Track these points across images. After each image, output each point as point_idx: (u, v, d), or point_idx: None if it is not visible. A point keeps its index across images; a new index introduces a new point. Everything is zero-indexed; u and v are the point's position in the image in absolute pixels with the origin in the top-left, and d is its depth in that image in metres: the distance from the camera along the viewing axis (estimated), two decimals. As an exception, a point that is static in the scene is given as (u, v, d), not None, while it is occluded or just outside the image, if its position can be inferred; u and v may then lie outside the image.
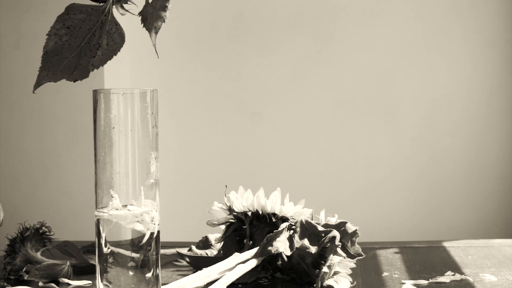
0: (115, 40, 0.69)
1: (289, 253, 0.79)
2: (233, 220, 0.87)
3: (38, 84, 0.68)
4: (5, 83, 1.78)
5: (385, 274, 0.85)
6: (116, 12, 0.71)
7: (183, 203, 1.97)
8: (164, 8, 0.71)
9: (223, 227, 0.88)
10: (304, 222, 0.81)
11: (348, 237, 0.82)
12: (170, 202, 1.92)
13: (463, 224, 1.92)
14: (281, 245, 0.79)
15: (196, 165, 1.99)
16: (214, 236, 0.95)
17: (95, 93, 0.67)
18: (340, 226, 0.82)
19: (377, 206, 1.94)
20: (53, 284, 0.81)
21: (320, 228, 0.80)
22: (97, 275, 0.68)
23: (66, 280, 0.83)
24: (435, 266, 0.89)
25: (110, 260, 0.67)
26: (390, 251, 0.99)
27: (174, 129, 1.97)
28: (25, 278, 0.84)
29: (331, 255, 0.76)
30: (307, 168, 1.96)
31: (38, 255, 0.86)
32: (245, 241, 0.86)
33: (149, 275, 0.68)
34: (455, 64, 1.93)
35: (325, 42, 1.95)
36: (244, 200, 0.86)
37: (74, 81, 0.68)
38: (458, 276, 0.82)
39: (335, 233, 0.77)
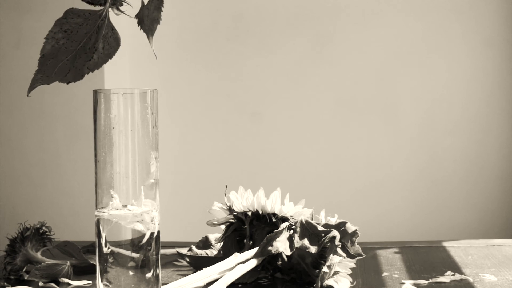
0: (110, 44, 0.70)
1: (289, 253, 0.79)
2: (233, 220, 0.87)
3: (32, 87, 0.69)
4: (5, 83, 1.78)
5: (385, 274, 0.85)
6: (113, 15, 0.72)
7: (183, 203, 1.97)
8: (159, 10, 0.73)
9: (223, 227, 0.88)
10: (304, 222, 0.81)
11: (348, 237, 0.82)
12: (170, 202, 1.92)
13: (463, 224, 1.92)
14: (281, 245, 0.79)
15: (196, 165, 1.99)
16: (214, 236, 0.95)
17: (95, 93, 0.67)
18: (340, 226, 0.82)
19: (377, 206, 1.94)
20: (53, 284, 0.81)
21: (320, 228, 0.80)
22: (97, 275, 0.68)
23: (66, 280, 0.83)
24: (435, 266, 0.89)
25: (110, 260, 0.67)
26: (390, 251, 0.99)
27: (174, 129, 1.97)
28: (25, 278, 0.84)
29: (331, 255, 0.76)
30: (307, 168, 1.96)
31: (38, 255, 0.86)
32: (245, 241, 0.86)
33: (149, 275, 0.68)
34: (455, 64, 1.93)
35: (325, 42, 1.95)
36: (244, 200, 0.86)
37: (67, 83, 0.69)
38: (458, 276, 0.82)
39: (335, 233, 0.77)
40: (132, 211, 0.67)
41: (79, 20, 0.69)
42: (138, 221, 0.67)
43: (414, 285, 0.79)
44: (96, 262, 0.68)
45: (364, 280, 0.81)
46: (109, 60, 0.70)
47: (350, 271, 0.82)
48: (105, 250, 0.67)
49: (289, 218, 0.85)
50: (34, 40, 1.81)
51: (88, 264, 0.88)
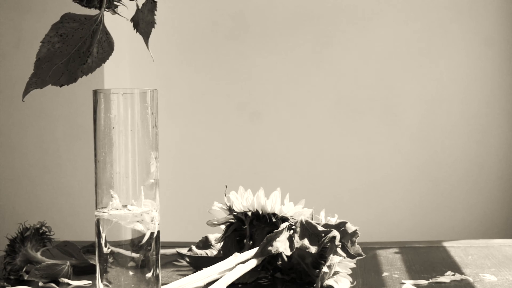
0: (104, 48, 0.72)
1: (289, 253, 0.79)
2: (233, 220, 0.87)
3: (26, 91, 0.70)
4: (5, 83, 1.78)
5: (385, 274, 0.85)
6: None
7: (183, 203, 1.97)
8: (152, 13, 0.75)
9: (223, 227, 0.88)
10: (304, 222, 0.81)
11: (348, 237, 0.82)
12: (170, 202, 1.92)
13: (463, 224, 1.92)
14: (281, 245, 0.79)
15: (196, 165, 1.99)
16: (214, 236, 0.95)
17: (95, 93, 0.68)
18: (340, 226, 0.82)
19: (377, 206, 1.94)
20: (53, 284, 0.81)
21: (320, 228, 0.80)
22: (97, 275, 0.68)
23: (66, 280, 0.83)
24: (435, 266, 0.89)
25: (110, 260, 0.67)
26: (390, 251, 0.99)
27: (174, 129, 1.97)
28: (25, 278, 0.84)
29: (331, 255, 0.77)
30: (307, 168, 1.96)
31: (38, 255, 0.86)
32: (245, 241, 0.86)
33: (149, 275, 0.68)
34: (454, 64, 1.93)
35: (325, 42, 1.95)
36: (244, 200, 0.86)
37: (60, 86, 0.71)
38: (458, 276, 0.82)
39: (335, 233, 0.77)
40: (132, 211, 0.67)
41: (74, 24, 0.70)
42: (138, 221, 0.67)
43: (414, 285, 0.79)
44: (96, 262, 0.68)
45: (364, 280, 0.81)
46: (103, 64, 0.72)
47: (350, 271, 0.82)
48: (105, 250, 0.67)
49: (289, 218, 0.85)
50: (34, 40, 1.81)
51: (88, 264, 0.88)
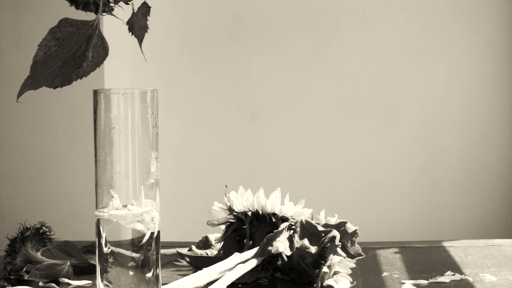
0: (99, 53, 0.73)
1: (289, 253, 0.79)
2: (233, 220, 0.87)
3: (20, 92, 0.72)
4: (5, 83, 1.78)
5: (385, 274, 0.85)
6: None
7: (183, 203, 1.97)
8: (145, 18, 0.76)
9: (223, 227, 0.88)
10: (304, 222, 0.81)
11: (348, 237, 0.82)
12: (170, 202, 1.92)
13: (463, 224, 1.92)
14: (281, 245, 0.79)
15: (196, 165, 1.99)
16: (214, 236, 0.95)
17: (95, 93, 0.68)
18: (340, 226, 0.82)
19: (377, 206, 1.94)
20: (53, 284, 0.81)
21: (320, 228, 0.80)
22: (97, 275, 0.68)
23: (66, 280, 0.83)
24: (435, 266, 0.89)
25: (110, 260, 0.67)
26: (390, 251, 0.99)
27: (174, 129, 1.97)
28: (26, 278, 0.84)
29: (331, 255, 0.77)
30: (307, 168, 1.96)
31: (39, 255, 0.86)
32: (245, 241, 0.86)
33: (149, 275, 0.68)
34: (455, 64, 1.93)
35: (325, 42, 1.95)
36: (244, 200, 0.86)
37: (54, 88, 0.72)
38: (458, 276, 0.82)
39: (335, 233, 0.77)
40: (132, 211, 0.67)
41: (71, 29, 0.71)
42: (138, 221, 0.67)
43: (414, 285, 0.79)
44: (96, 262, 0.68)
45: (364, 280, 0.82)
46: (97, 68, 0.74)
47: (350, 271, 0.82)
48: (105, 250, 0.67)
49: (289, 218, 0.85)
50: (34, 40, 1.81)
51: (88, 264, 0.88)
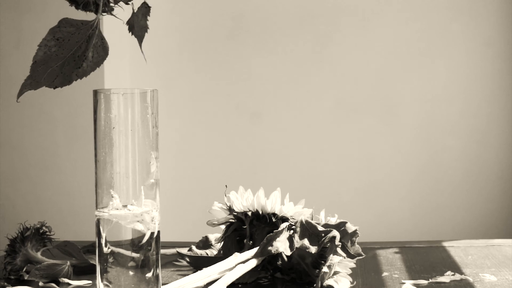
0: (99, 53, 0.74)
1: (289, 253, 0.79)
2: (233, 220, 0.87)
3: (20, 92, 0.72)
4: (5, 83, 1.78)
5: (385, 274, 0.85)
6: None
7: (183, 203, 1.97)
8: (145, 18, 0.77)
9: (223, 227, 0.88)
10: (304, 222, 0.81)
11: (348, 237, 0.82)
12: (170, 202, 1.92)
13: (463, 224, 1.92)
14: (281, 245, 0.79)
15: (196, 165, 1.99)
16: (214, 236, 0.95)
17: (95, 93, 0.68)
18: (340, 226, 0.82)
19: (377, 206, 1.94)
20: (53, 284, 0.81)
21: (320, 228, 0.80)
22: (97, 275, 0.68)
23: (66, 280, 0.83)
24: (435, 266, 0.89)
25: (110, 260, 0.67)
26: (390, 251, 0.99)
27: (174, 129, 1.97)
28: (25, 278, 0.84)
29: (331, 255, 0.77)
30: (307, 168, 1.96)
31: (38, 255, 0.86)
32: (245, 241, 0.86)
33: (149, 275, 0.68)
34: (454, 64, 1.93)
35: (325, 42, 1.95)
36: (244, 200, 0.86)
37: (54, 88, 0.73)
38: (458, 276, 0.82)
39: (335, 233, 0.77)
40: (132, 211, 0.67)
41: (71, 29, 0.72)
42: (138, 221, 0.67)
43: (414, 285, 0.79)
44: (96, 262, 0.68)
45: (364, 280, 0.82)
46: (97, 68, 0.74)
47: (350, 271, 0.82)
48: (105, 250, 0.67)
49: (289, 218, 0.85)
50: (34, 40, 1.81)
51: (88, 264, 0.88)
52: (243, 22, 1.97)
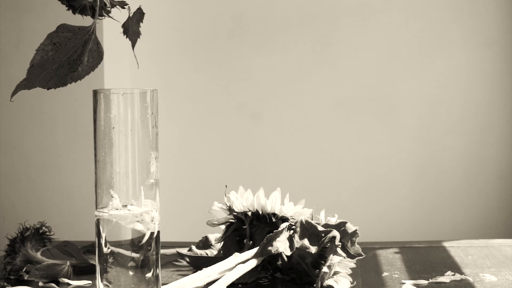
0: (94, 57, 0.75)
1: (289, 253, 0.79)
2: (233, 220, 0.87)
3: (15, 92, 0.76)
4: (5, 83, 1.78)
5: (385, 274, 0.85)
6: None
7: (183, 203, 1.97)
8: (138, 24, 0.79)
9: (223, 227, 0.88)
10: (304, 222, 0.81)
11: (348, 237, 0.82)
12: (170, 202, 1.92)
13: (463, 224, 1.92)
14: (281, 245, 0.79)
15: (196, 165, 1.99)
16: (214, 236, 0.95)
17: (95, 93, 0.68)
18: (340, 226, 0.82)
19: (377, 206, 1.94)
20: (53, 284, 0.81)
21: (320, 228, 0.80)
22: (97, 275, 0.68)
23: (66, 280, 0.83)
24: (435, 266, 0.89)
25: (110, 260, 0.67)
26: (390, 251, 0.99)
27: (174, 129, 1.97)
28: (25, 278, 0.84)
29: (331, 255, 0.76)
30: (307, 168, 1.96)
31: (38, 255, 0.86)
32: (245, 241, 0.86)
33: (149, 275, 0.68)
34: (454, 64, 1.93)
35: (325, 42, 1.95)
36: (244, 200, 0.86)
37: (48, 89, 0.75)
38: (458, 276, 0.82)
39: (335, 233, 0.77)
40: (132, 211, 0.67)
41: (68, 34, 0.73)
42: (138, 221, 0.67)
43: (414, 285, 0.79)
44: (96, 262, 0.68)
45: (364, 280, 0.81)
46: (91, 72, 0.76)
47: (350, 271, 0.82)
48: (105, 250, 0.67)
49: (289, 218, 0.85)
50: (34, 40, 1.81)
51: (88, 264, 0.88)
52: (243, 22, 1.97)
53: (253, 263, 0.77)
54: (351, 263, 0.82)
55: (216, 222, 0.87)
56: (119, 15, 0.80)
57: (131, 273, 0.67)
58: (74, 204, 1.79)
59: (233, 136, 1.98)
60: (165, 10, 1.96)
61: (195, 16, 1.98)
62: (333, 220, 0.84)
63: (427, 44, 1.93)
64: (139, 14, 0.79)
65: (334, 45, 1.95)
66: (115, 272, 0.67)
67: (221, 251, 0.87)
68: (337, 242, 0.76)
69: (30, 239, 0.86)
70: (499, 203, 1.93)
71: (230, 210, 0.87)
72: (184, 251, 0.92)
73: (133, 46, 0.82)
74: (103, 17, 0.75)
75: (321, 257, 0.76)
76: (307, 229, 0.80)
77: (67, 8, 0.75)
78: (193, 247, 0.93)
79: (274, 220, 0.85)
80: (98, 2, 0.73)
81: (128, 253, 0.67)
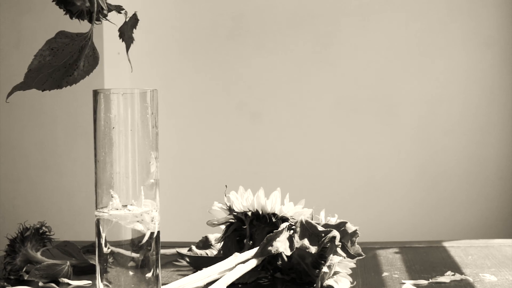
0: (90, 62, 0.78)
1: (289, 253, 0.79)
2: (233, 220, 0.87)
3: (10, 93, 0.77)
4: (5, 83, 1.78)
5: (385, 274, 0.85)
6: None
7: (183, 203, 1.97)
8: (132, 30, 0.81)
9: (223, 227, 0.88)
10: (304, 222, 0.81)
11: (348, 237, 0.82)
12: (170, 202, 1.92)
13: (463, 224, 1.92)
14: (281, 245, 0.79)
15: (196, 165, 1.99)
16: (214, 236, 0.95)
17: (95, 93, 0.68)
18: (340, 226, 0.82)
19: (377, 205, 1.94)
20: (53, 284, 0.81)
21: (320, 228, 0.80)
22: (97, 275, 0.68)
23: (66, 280, 0.83)
24: (435, 266, 0.89)
25: (110, 260, 0.67)
26: (390, 251, 0.99)
27: (174, 129, 1.97)
28: (25, 278, 0.84)
29: (331, 255, 0.77)
30: (307, 168, 1.96)
31: (38, 255, 0.86)
32: (245, 241, 0.86)
33: (149, 275, 0.68)
34: (455, 64, 1.93)
35: (325, 42, 1.95)
36: (244, 200, 0.86)
37: (43, 91, 0.77)
38: (458, 276, 0.82)
39: (335, 233, 0.77)
40: (132, 211, 0.67)
41: (66, 40, 0.76)
42: (138, 221, 0.67)
43: (414, 285, 0.79)
44: (96, 262, 0.68)
45: (364, 280, 0.82)
46: (87, 76, 0.78)
47: (350, 271, 0.82)
48: (105, 250, 0.67)
49: (289, 218, 0.85)
50: (34, 40, 1.81)
51: (88, 264, 0.88)
52: (243, 22, 1.97)
53: (253, 263, 0.77)
54: (351, 263, 0.82)
55: (216, 222, 0.87)
56: (117, 17, 0.80)
57: (131, 273, 0.67)
58: (74, 204, 1.79)
59: (233, 136, 1.98)
60: (165, 10, 1.96)
61: (195, 16, 1.98)
62: (333, 220, 0.84)
63: (427, 44, 1.93)
64: (134, 20, 0.81)
65: (334, 45, 1.95)
66: (115, 272, 0.67)
67: (221, 251, 0.87)
68: (337, 242, 0.76)
69: (30, 239, 0.86)
70: (499, 203, 1.93)
71: (230, 210, 0.87)
72: (184, 251, 0.92)
73: (127, 50, 0.83)
74: (100, 22, 0.76)
75: (321, 257, 0.76)
76: (307, 229, 0.80)
77: (64, 13, 0.76)
78: (193, 247, 0.93)
79: (274, 220, 0.85)
80: (95, 7, 0.74)
81: (128, 253, 0.67)
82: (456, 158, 1.93)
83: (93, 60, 0.78)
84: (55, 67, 0.75)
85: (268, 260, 0.81)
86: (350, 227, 0.82)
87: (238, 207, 0.86)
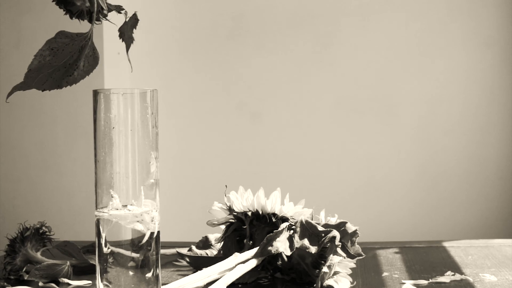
0: (90, 62, 0.78)
1: (289, 253, 0.79)
2: (233, 220, 0.87)
3: (10, 93, 0.78)
4: (5, 83, 1.78)
5: (385, 274, 0.85)
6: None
7: (183, 203, 1.97)
8: (132, 30, 0.81)
9: (223, 227, 0.88)
10: (304, 222, 0.81)
11: (348, 237, 0.82)
12: (170, 202, 1.92)
13: (463, 224, 1.92)
14: (281, 245, 0.79)
15: (196, 165, 1.99)
16: (214, 236, 0.95)
17: (95, 93, 0.68)
18: (340, 226, 0.82)
19: (377, 206, 1.94)
20: (53, 284, 0.81)
21: (320, 228, 0.80)
22: (97, 275, 0.68)
23: (66, 280, 0.83)
24: (435, 266, 0.89)
25: (110, 260, 0.67)
26: (390, 251, 0.99)
27: (174, 129, 1.97)
28: (25, 278, 0.84)
29: (331, 255, 0.77)
30: (307, 168, 1.96)
31: (38, 255, 0.86)
32: (245, 241, 0.86)
33: (149, 275, 0.68)
34: (454, 64, 1.93)
35: (325, 42, 1.95)
36: (244, 200, 0.86)
37: (43, 91, 0.77)
38: (458, 276, 0.82)
39: (335, 233, 0.77)
40: (132, 211, 0.67)
41: (66, 40, 0.76)
42: (138, 221, 0.67)
43: (414, 285, 0.79)
44: (96, 262, 0.68)
45: (364, 280, 0.82)
46: (87, 76, 0.78)
47: (350, 271, 0.82)
48: (105, 250, 0.67)
49: (289, 218, 0.85)
50: (34, 40, 1.81)
51: (88, 264, 0.88)
52: (243, 22, 1.97)
53: (253, 263, 0.77)
54: (351, 263, 0.82)
55: (216, 222, 0.87)
56: (117, 17, 0.80)
57: (131, 273, 0.67)
58: (74, 204, 1.79)
59: (233, 136, 1.98)
60: (165, 10, 1.96)
61: (195, 16, 1.98)
62: (333, 220, 0.84)
63: (427, 44, 1.93)
64: (134, 20, 0.81)
65: (334, 45, 1.95)
66: (115, 272, 0.67)
67: (221, 251, 0.87)
68: (337, 242, 0.76)
69: (30, 239, 0.86)
70: (499, 203, 1.93)
71: (230, 210, 0.87)
72: (184, 251, 0.92)
73: (127, 50, 0.83)
74: (100, 22, 0.76)
75: (321, 257, 0.76)
76: (307, 229, 0.80)
77: (64, 13, 0.76)
78: (193, 247, 0.93)
79: (274, 220, 0.85)
80: (95, 7, 0.74)
81: (128, 253, 0.67)
82: (456, 158, 1.93)
83: (93, 60, 0.78)
84: (55, 67, 0.75)
85: (268, 260, 0.81)
86: (350, 227, 0.82)
87: (238, 207, 0.86)
